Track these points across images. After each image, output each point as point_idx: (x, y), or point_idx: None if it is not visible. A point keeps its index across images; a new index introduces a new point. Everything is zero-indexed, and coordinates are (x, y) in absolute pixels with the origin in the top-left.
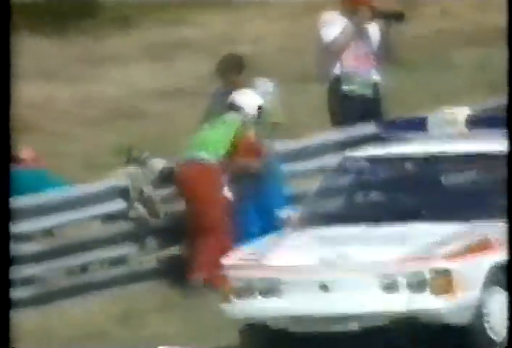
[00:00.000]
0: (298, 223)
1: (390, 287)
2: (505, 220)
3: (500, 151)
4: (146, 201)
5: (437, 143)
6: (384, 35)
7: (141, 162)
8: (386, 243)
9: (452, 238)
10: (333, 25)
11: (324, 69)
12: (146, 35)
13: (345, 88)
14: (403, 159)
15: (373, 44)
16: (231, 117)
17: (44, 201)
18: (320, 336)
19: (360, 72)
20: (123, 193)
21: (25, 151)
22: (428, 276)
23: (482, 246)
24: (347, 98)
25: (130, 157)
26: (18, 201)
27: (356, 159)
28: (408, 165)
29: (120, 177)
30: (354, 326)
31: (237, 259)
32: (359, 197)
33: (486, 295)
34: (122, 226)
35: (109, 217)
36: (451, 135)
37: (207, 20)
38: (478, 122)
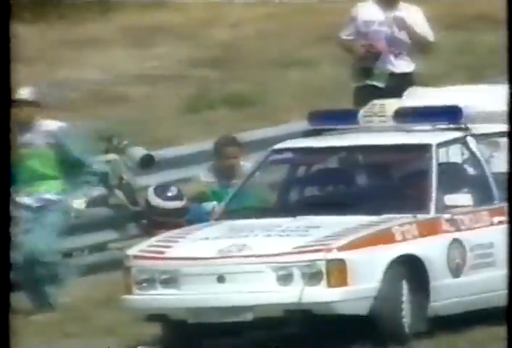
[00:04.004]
0: (221, 216)
1: (285, 278)
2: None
3: (426, 143)
4: (126, 189)
5: (365, 135)
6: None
7: (120, 150)
8: (288, 235)
9: (354, 230)
10: (365, 18)
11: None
12: (126, 19)
13: (368, 82)
14: (330, 151)
15: (404, 32)
16: None
17: None
18: (218, 326)
19: (380, 64)
20: (103, 180)
21: None
22: (322, 267)
23: (383, 238)
24: (366, 88)
25: (110, 145)
26: None
27: (283, 152)
28: (333, 157)
29: (100, 164)
30: (248, 317)
31: (142, 250)
32: (283, 190)
33: (389, 287)
34: (102, 213)
35: (90, 204)
36: (380, 127)
37: (186, 4)
38: (408, 115)
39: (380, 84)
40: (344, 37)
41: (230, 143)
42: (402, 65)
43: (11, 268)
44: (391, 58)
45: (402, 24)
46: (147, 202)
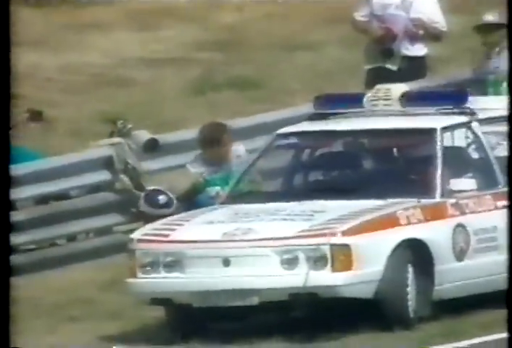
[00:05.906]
0: (226, 200)
1: (290, 262)
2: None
3: (431, 128)
4: (131, 173)
5: (370, 119)
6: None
7: (125, 134)
8: (293, 219)
9: (358, 214)
10: (382, 1)
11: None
12: (130, 2)
13: (381, 64)
14: (335, 135)
15: (417, 16)
16: None
17: (32, 170)
18: (223, 310)
19: (395, 47)
20: (108, 164)
21: None
22: (327, 251)
23: (388, 222)
24: (378, 70)
25: (115, 129)
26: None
27: (288, 136)
28: (338, 141)
29: (104, 148)
30: (254, 301)
31: (146, 233)
32: (288, 174)
33: (394, 271)
34: (107, 197)
35: (95, 188)
36: (385, 111)
37: None
38: (414, 99)
39: (393, 67)
40: (360, 18)
41: (220, 131)
42: (416, 49)
43: (11, 252)
44: (406, 41)
45: (416, 9)
46: (137, 206)
